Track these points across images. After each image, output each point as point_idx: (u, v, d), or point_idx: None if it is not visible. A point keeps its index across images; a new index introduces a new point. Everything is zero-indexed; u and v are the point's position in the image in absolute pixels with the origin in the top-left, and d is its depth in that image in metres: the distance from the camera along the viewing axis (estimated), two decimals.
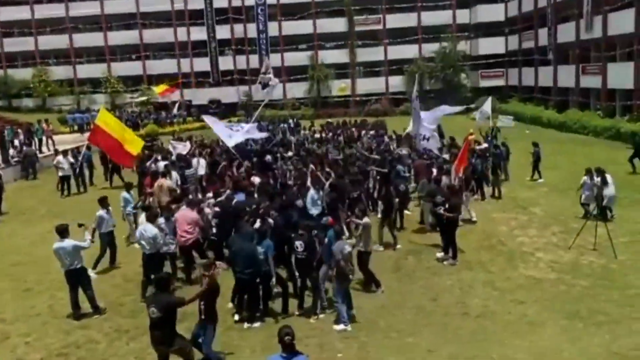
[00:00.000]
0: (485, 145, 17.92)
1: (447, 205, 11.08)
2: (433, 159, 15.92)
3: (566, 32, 35.17)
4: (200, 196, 12.25)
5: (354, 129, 25.53)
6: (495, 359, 7.26)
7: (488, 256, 11.30)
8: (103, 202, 10.88)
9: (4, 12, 47.02)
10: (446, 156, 16.36)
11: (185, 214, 10.10)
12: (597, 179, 13.10)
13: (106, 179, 19.71)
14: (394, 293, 9.63)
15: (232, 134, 16.17)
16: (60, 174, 18.46)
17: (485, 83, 45.46)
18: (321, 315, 8.75)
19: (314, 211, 11.55)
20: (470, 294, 9.46)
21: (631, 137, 19.68)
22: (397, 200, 12.66)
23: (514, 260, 10.97)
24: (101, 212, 10.72)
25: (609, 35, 30.49)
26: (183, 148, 18.96)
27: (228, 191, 11.90)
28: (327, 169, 14.31)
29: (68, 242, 8.70)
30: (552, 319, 8.36)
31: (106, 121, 16.95)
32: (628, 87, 28.82)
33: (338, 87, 35.21)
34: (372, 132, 24.31)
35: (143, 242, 9.33)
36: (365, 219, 9.70)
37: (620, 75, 29.58)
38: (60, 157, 18.56)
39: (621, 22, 29.06)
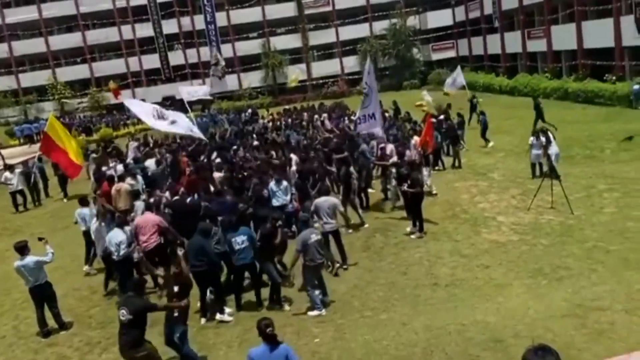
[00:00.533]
0: (441, 117, 18.23)
1: (408, 181, 11.22)
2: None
3: None
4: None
5: (315, 114, 25.49)
6: (466, 324, 7.45)
7: (452, 225, 11.53)
8: (83, 202, 11.00)
9: None
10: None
11: (147, 218, 9.89)
12: (543, 139, 13.64)
13: (61, 190, 18.96)
14: (365, 272, 9.74)
15: (157, 121, 15.86)
16: (9, 190, 17.75)
17: (437, 56, 46.00)
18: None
19: (275, 203, 11.42)
20: (439, 264, 9.65)
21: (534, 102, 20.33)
22: (355, 180, 12.68)
23: (478, 226, 11.23)
24: (83, 210, 10.74)
25: None
26: (134, 149, 18.78)
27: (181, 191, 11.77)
28: (291, 155, 14.33)
29: (29, 259, 8.40)
30: (518, 279, 8.63)
31: (55, 129, 16.34)
32: (572, 48, 29.71)
33: (290, 79, 35.00)
34: (333, 114, 24.44)
35: (112, 249, 9.19)
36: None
37: (563, 37, 30.45)
38: (7, 173, 17.83)
39: None
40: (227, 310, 8.60)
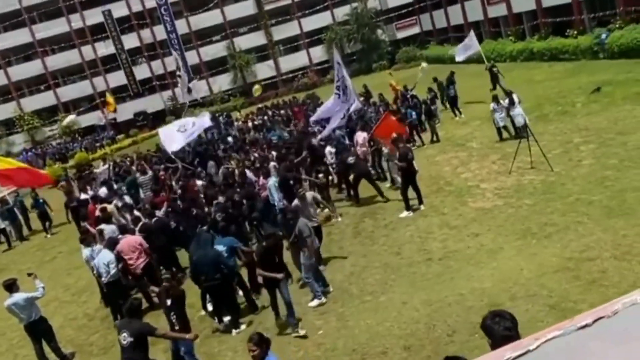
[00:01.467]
0: (412, 93, 18.36)
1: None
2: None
3: None
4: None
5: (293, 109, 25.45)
6: (464, 294, 7.55)
7: (438, 199, 11.64)
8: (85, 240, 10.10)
9: None
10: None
11: (128, 241, 9.79)
12: (504, 102, 14.07)
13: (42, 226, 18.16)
14: (359, 257, 9.81)
15: (177, 138, 15.35)
16: None
17: (402, 34, 46.06)
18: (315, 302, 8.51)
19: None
20: (430, 239, 9.75)
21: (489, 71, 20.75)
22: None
23: (463, 197, 11.35)
24: (85, 251, 9.95)
25: None
26: (104, 171, 18.63)
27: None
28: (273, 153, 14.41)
29: (19, 296, 8.25)
30: (507, 242, 8.76)
31: (3, 162, 15.77)
32: (532, 9, 29.97)
33: (254, 90, 34.69)
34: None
35: (102, 271, 9.07)
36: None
37: None
38: None
39: None
40: (243, 326, 8.37)
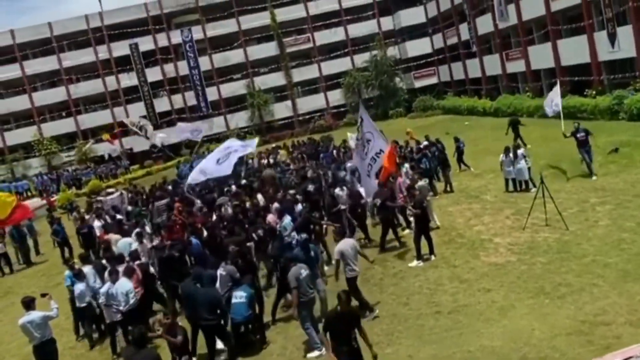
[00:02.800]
0: (425, 143, 18.39)
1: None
2: None
3: (485, 24, 36.73)
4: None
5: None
6: (473, 351, 7.31)
7: (450, 250, 11.47)
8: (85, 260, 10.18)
9: None
10: None
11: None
12: (511, 155, 14.68)
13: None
14: None
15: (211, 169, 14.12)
16: None
17: (419, 83, 46.74)
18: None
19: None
20: (439, 292, 9.54)
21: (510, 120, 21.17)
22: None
23: (475, 250, 11.17)
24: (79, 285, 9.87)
25: (524, 20, 32.05)
26: (116, 198, 18.73)
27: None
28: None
29: (36, 314, 8.28)
30: (520, 300, 8.54)
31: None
32: (550, 66, 30.33)
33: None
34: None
35: (120, 299, 8.93)
36: (340, 244, 9.25)
37: (541, 56, 31.12)
38: None
39: (532, 7, 30.64)
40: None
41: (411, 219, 12.48)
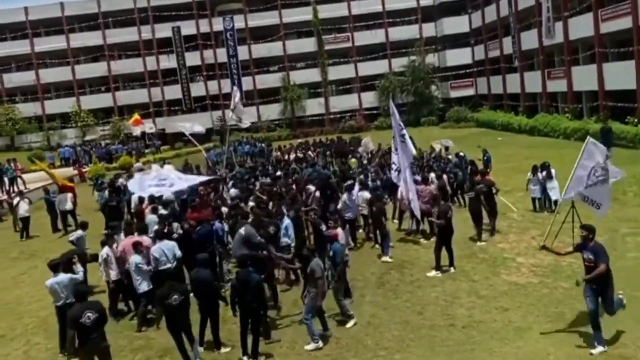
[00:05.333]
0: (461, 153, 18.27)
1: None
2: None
3: (529, 39, 36.07)
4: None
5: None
6: None
7: (470, 264, 11.30)
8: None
9: None
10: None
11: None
12: (543, 174, 14.47)
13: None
14: (379, 309, 9.53)
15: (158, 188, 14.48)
16: (19, 215, 17.96)
17: (455, 93, 46.24)
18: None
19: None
20: (455, 305, 9.40)
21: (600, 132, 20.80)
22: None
23: (496, 267, 10.98)
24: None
25: (570, 39, 31.35)
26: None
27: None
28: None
29: (63, 276, 8.53)
30: (537, 323, 8.35)
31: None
32: (593, 89, 29.59)
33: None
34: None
35: (169, 256, 9.63)
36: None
37: (584, 78, 30.38)
38: (18, 199, 18.13)
39: (581, 27, 29.97)
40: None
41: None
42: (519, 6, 36.88)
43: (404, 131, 13.76)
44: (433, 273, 10.93)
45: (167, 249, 9.68)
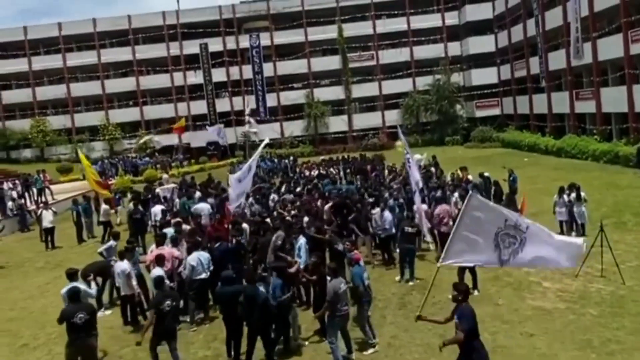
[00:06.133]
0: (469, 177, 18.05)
1: None
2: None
3: (557, 60, 35.66)
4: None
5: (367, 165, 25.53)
6: None
7: (495, 288, 11.05)
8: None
9: (1, 65, 47.90)
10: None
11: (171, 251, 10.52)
12: (573, 195, 14.05)
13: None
14: (400, 331, 9.36)
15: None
16: (42, 226, 18.29)
17: (481, 113, 45.86)
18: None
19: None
20: (479, 329, 9.16)
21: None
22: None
23: (521, 291, 10.72)
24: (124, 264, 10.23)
25: (599, 60, 30.89)
26: (168, 190, 19.30)
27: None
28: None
29: (78, 286, 8.59)
30: (564, 350, 8.09)
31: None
32: (623, 111, 29.01)
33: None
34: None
35: (205, 266, 10.05)
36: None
37: (614, 99, 29.82)
38: (43, 210, 18.48)
39: (610, 48, 29.52)
40: None
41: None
42: (547, 26, 36.58)
43: (409, 155, 13.92)
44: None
45: (203, 259, 10.05)
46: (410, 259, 11.89)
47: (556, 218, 14.61)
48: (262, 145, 17.00)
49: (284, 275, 8.77)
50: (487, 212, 6.80)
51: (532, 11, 38.25)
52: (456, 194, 14.91)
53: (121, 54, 48.35)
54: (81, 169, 20.68)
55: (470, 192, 7.65)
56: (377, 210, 13.28)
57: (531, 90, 39.95)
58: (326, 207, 14.31)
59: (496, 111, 45.83)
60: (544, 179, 22.85)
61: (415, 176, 13.63)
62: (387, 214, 13.11)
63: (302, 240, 10.78)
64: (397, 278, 12.00)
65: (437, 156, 25.33)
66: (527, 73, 40.31)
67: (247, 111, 29.59)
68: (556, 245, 7.04)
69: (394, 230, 12.93)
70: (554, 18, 35.64)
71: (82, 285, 8.71)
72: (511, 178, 18.31)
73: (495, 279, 11.55)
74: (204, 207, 15.71)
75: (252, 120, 29.24)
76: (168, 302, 7.97)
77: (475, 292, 10.74)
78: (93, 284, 9.15)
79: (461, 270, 10.84)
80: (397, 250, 12.75)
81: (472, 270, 10.87)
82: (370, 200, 14.56)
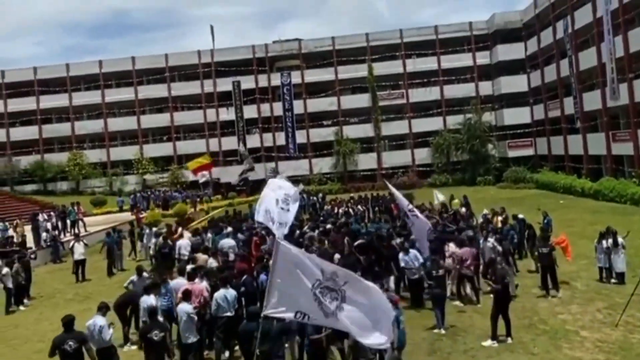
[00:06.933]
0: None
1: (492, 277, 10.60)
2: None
3: (592, 100, 35.08)
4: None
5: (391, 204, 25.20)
6: None
7: (529, 336, 10.53)
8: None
9: (43, 100, 49.95)
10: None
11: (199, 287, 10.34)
12: (610, 241, 13.48)
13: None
14: None
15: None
16: (74, 258, 18.49)
17: (513, 153, 45.16)
18: None
19: None
20: None
21: None
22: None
23: (558, 340, 10.18)
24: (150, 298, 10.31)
25: (636, 101, 30.22)
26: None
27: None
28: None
29: (101, 320, 8.72)
30: None
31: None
32: None
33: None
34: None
35: (231, 304, 9.92)
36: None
37: None
38: (74, 242, 18.73)
39: None
40: None
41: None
42: (581, 67, 36.19)
43: (411, 206, 13.92)
44: (489, 342, 10.24)
45: (229, 296, 9.90)
46: (440, 304, 11.32)
47: (596, 264, 14.02)
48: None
49: None
50: (299, 263, 6.56)
51: (565, 51, 37.99)
52: (491, 240, 14.24)
53: (157, 91, 49.85)
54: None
55: (280, 241, 7.20)
56: (411, 252, 12.82)
57: (566, 130, 39.24)
58: (346, 239, 13.96)
59: (529, 151, 45.08)
60: (580, 223, 22.09)
61: (422, 223, 13.28)
62: (415, 253, 12.74)
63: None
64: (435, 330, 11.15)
65: (468, 196, 24.88)
66: (561, 113, 39.72)
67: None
68: (373, 304, 6.65)
69: (422, 272, 12.51)
70: (588, 58, 35.27)
71: (104, 322, 8.69)
72: (545, 221, 17.72)
73: (530, 327, 11.03)
74: (228, 243, 15.63)
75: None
76: (156, 332, 8.27)
77: (509, 340, 10.27)
78: (111, 330, 8.90)
79: (494, 316, 10.40)
80: (427, 295, 12.32)
81: (506, 316, 10.41)
82: (399, 240, 14.22)
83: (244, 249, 15.19)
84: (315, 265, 6.60)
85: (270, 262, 12.24)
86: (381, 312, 6.68)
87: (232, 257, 14.14)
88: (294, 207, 13.96)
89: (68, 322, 8.16)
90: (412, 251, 12.78)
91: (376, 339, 6.59)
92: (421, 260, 12.67)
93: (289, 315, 6.67)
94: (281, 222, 13.34)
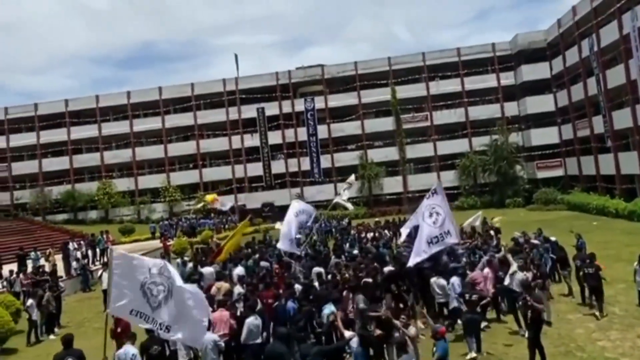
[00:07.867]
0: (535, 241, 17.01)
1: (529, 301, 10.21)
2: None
3: (622, 118, 34.25)
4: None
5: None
6: None
7: None
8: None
9: (74, 131, 51.44)
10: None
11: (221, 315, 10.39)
12: None
13: None
14: None
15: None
16: (102, 287, 18.56)
17: (542, 174, 44.25)
18: None
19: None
20: None
21: None
22: None
23: None
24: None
25: None
26: None
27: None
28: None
29: (132, 350, 8.72)
30: None
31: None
32: None
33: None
34: None
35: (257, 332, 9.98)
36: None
37: None
38: (102, 271, 18.82)
39: None
40: None
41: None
42: (609, 85, 35.50)
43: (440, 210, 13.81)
44: None
45: (259, 324, 10.05)
46: (474, 329, 10.77)
47: (636, 288, 13.40)
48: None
49: (367, 343, 8.78)
50: (131, 264, 7.78)
51: (592, 70, 37.36)
52: (515, 265, 13.54)
53: (183, 119, 50.82)
54: None
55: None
56: (452, 279, 12.21)
57: (596, 150, 38.32)
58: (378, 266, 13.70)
59: (559, 172, 44.09)
60: (615, 245, 21.31)
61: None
62: (455, 280, 12.10)
63: (329, 308, 10.34)
64: (468, 356, 10.48)
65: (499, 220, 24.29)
66: (591, 132, 38.85)
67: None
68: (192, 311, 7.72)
69: (456, 303, 11.85)
70: (616, 76, 34.60)
71: (134, 350, 8.79)
72: (579, 243, 17.11)
73: (567, 354, 10.56)
74: (238, 272, 15.43)
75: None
76: (155, 346, 8.70)
77: None
78: (132, 348, 8.93)
79: (532, 344, 9.97)
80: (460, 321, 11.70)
81: (539, 344, 9.96)
82: (426, 265, 13.80)
83: (269, 275, 15.01)
84: (144, 263, 7.83)
85: (296, 285, 12.25)
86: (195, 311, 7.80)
87: (238, 287, 13.57)
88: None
89: (67, 340, 8.66)
90: (453, 279, 12.18)
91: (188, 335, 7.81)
92: (458, 290, 12.08)
93: (126, 311, 7.96)
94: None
